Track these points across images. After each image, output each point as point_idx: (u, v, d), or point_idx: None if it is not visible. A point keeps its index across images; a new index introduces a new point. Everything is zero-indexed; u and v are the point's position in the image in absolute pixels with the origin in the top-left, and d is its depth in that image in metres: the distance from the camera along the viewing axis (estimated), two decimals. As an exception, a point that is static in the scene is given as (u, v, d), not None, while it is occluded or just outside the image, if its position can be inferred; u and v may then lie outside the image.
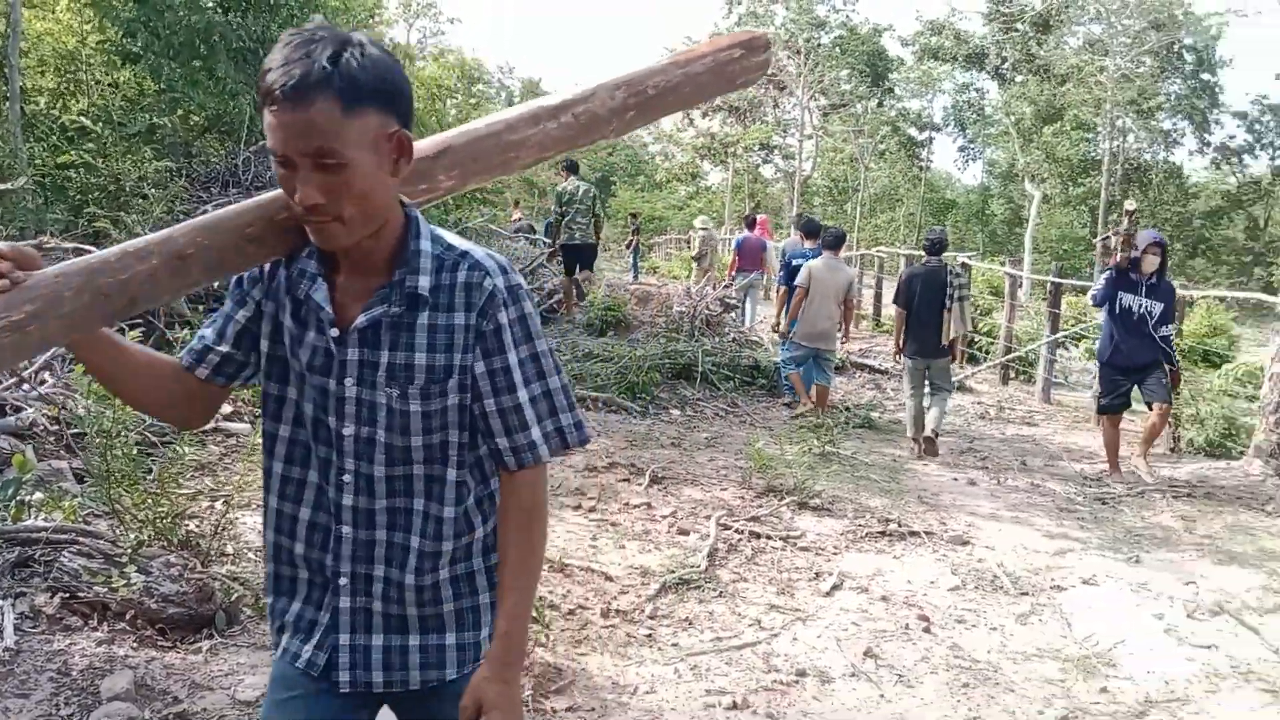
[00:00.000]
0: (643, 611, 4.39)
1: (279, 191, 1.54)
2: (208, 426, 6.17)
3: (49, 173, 8.60)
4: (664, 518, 5.73)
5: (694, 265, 17.15)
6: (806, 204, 44.62)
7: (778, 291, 10.27)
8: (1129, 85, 35.98)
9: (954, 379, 9.63)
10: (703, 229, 16.95)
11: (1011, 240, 41.43)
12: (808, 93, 40.23)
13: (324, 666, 1.65)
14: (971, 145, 46.87)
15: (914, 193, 46.35)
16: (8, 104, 9.08)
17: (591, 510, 5.71)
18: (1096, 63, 36.14)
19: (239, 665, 3.46)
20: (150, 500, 4.04)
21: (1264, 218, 42.96)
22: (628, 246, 24.89)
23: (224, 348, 1.66)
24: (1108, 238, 8.01)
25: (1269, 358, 8.41)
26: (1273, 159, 41.38)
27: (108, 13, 9.78)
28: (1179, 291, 8.85)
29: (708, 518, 5.74)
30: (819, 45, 39.78)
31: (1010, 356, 12.43)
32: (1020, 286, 20.10)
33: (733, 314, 12.50)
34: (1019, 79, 39.02)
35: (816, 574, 5.14)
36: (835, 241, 9.26)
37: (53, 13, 11.77)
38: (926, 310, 8.17)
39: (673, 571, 4.85)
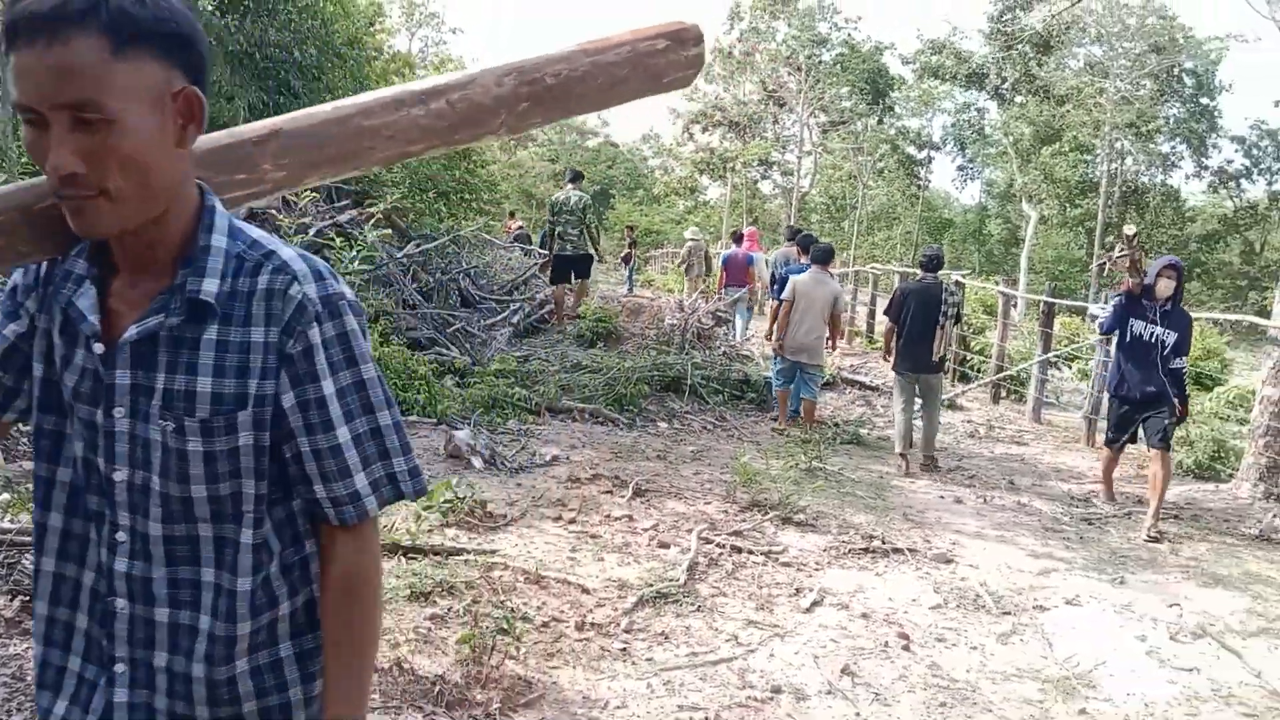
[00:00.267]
0: (618, 625, 4.33)
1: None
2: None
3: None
4: (645, 530, 5.68)
5: (684, 277, 17.25)
6: (804, 220, 44.68)
7: (771, 305, 10.28)
8: (1128, 108, 36.11)
9: (944, 396, 9.65)
10: (691, 240, 17.05)
11: (1008, 260, 41.47)
12: (807, 109, 40.33)
13: None
14: (970, 165, 46.98)
15: (912, 211, 46.41)
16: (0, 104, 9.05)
17: (571, 522, 5.66)
18: (1096, 84, 36.27)
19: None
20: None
21: (1260, 242, 43.05)
22: (623, 259, 24.89)
23: None
24: (1104, 262, 7.97)
25: (1260, 381, 8.38)
26: (1270, 184, 41.51)
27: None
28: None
29: (689, 531, 5.69)
30: (820, 62, 39.89)
31: (1001, 375, 12.39)
32: (1015, 306, 20.12)
33: (724, 328, 12.47)
34: (1018, 99, 39.14)
35: (797, 590, 5.09)
36: (823, 256, 9.24)
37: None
38: (920, 326, 8.16)
39: (651, 585, 4.79)
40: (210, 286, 1.25)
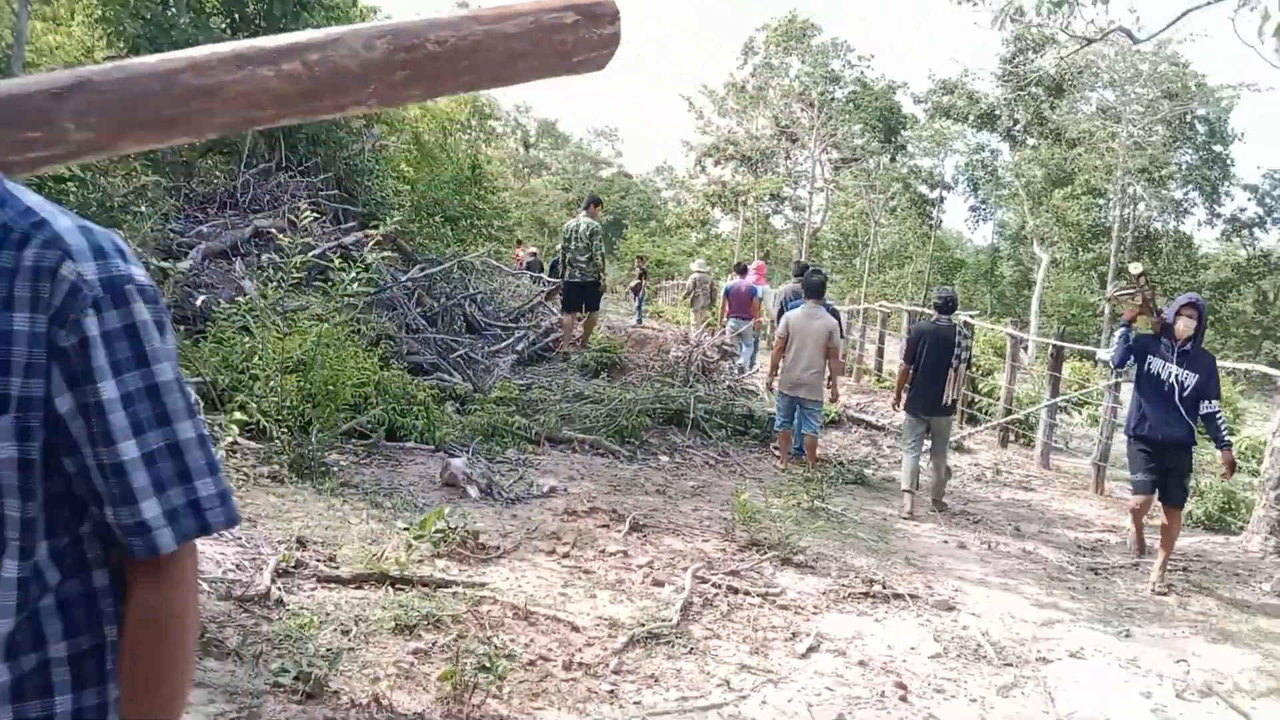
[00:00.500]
0: (607, 665, 4.20)
1: None
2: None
3: (46, 185, 8.54)
4: (640, 567, 5.55)
5: (690, 308, 17.27)
6: (815, 256, 44.71)
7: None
8: (1140, 153, 36.10)
9: (953, 439, 9.54)
10: (697, 272, 17.06)
11: (1020, 303, 41.38)
12: (820, 145, 40.44)
13: None
14: (983, 206, 46.97)
15: (923, 250, 46.40)
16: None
17: (565, 556, 5.53)
18: (1108, 129, 36.30)
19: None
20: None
21: (1274, 292, 42.86)
22: (633, 290, 24.84)
23: None
24: (1114, 298, 7.89)
25: (1270, 433, 8.24)
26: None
27: (114, 27, 9.76)
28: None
29: (685, 570, 5.56)
30: (832, 99, 40.03)
31: (1010, 419, 12.25)
32: (1025, 349, 20.01)
33: (730, 361, 12.38)
34: (1030, 141, 39.18)
35: (793, 634, 4.95)
36: (815, 290, 9.12)
37: (66, 27, 11.83)
38: (933, 368, 8.10)
39: (643, 624, 4.66)
40: None
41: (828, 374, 8.95)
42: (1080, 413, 14.11)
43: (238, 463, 6.17)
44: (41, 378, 1.05)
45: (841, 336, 10.29)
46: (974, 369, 13.79)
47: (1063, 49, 22.21)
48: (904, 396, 8.41)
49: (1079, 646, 5.27)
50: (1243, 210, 41.36)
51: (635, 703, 3.95)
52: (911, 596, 5.74)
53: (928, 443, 8.48)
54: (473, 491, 6.45)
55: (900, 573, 6.24)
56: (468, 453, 7.29)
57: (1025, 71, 30.54)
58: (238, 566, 4.51)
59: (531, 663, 4.09)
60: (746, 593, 5.40)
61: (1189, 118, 38.24)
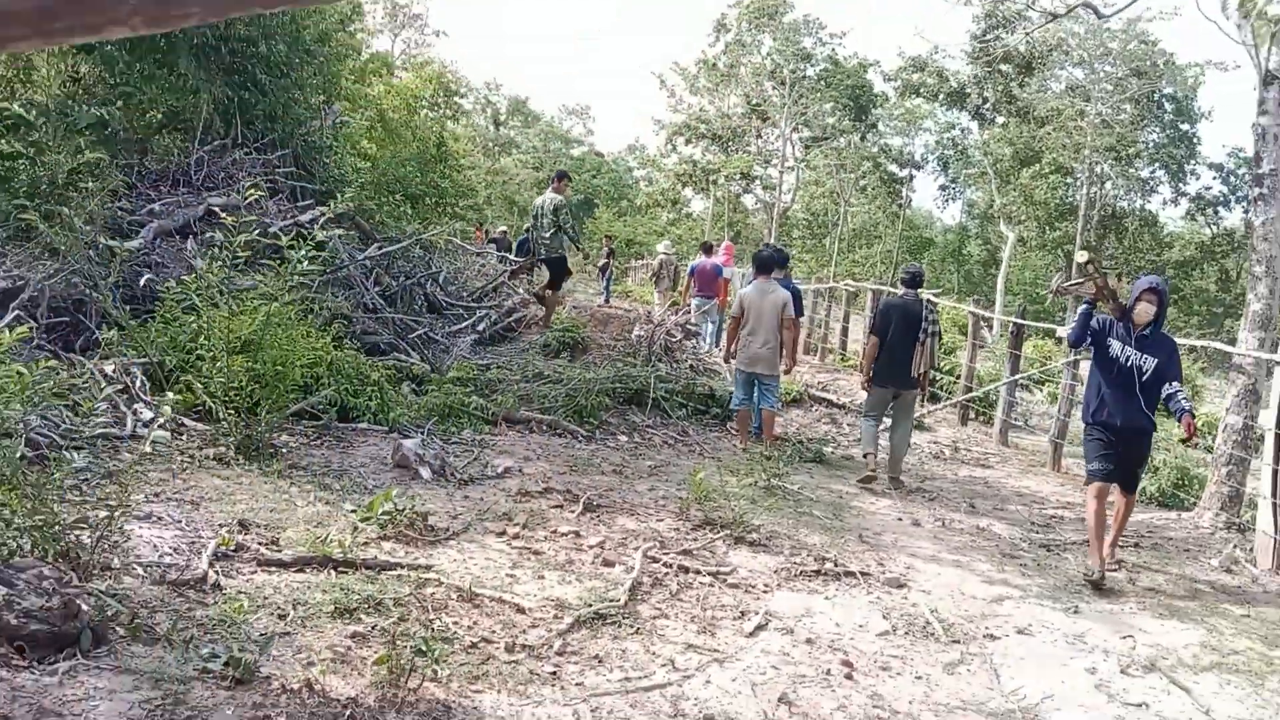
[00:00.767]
0: (551, 647, 4.17)
1: None
2: (123, 433, 5.93)
3: None
4: (591, 548, 5.52)
5: (654, 287, 17.26)
6: (786, 236, 44.73)
7: None
8: (1108, 132, 36.30)
9: (914, 415, 9.56)
10: (663, 253, 17.04)
11: (987, 281, 41.62)
12: (790, 124, 40.37)
13: None
14: (953, 185, 47.11)
15: (893, 230, 46.53)
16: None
17: (515, 537, 5.49)
18: (1077, 107, 36.46)
19: (96, 689, 3.22)
20: (28, 507, 3.80)
21: (1236, 270, 43.31)
22: (601, 269, 24.75)
23: None
24: (1061, 290, 7.88)
25: (1224, 409, 8.31)
26: (1247, 212, 41.71)
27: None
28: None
29: (637, 549, 5.53)
30: (803, 77, 39.94)
31: (969, 396, 12.31)
32: (989, 327, 20.10)
33: (693, 340, 12.35)
34: (999, 120, 39.30)
35: (742, 613, 4.94)
36: (764, 264, 9.11)
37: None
38: (901, 341, 8.20)
39: (590, 605, 4.63)
40: None
41: (785, 348, 8.99)
42: (1041, 390, 14.21)
43: (183, 444, 6.09)
44: None
45: (800, 314, 10.30)
46: (939, 345, 13.86)
47: (1029, 25, 22.21)
48: (872, 370, 8.41)
49: (1027, 623, 5.29)
50: (1208, 189, 41.77)
51: (578, 684, 3.92)
52: (863, 574, 5.75)
53: (888, 420, 8.52)
54: (425, 473, 6.40)
55: (853, 550, 6.24)
56: (422, 434, 7.22)
57: (994, 49, 30.56)
58: (175, 550, 4.44)
59: (473, 645, 4.05)
60: (697, 572, 5.38)
61: (1157, 96, 38.48)
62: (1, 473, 3.86)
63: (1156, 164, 40.71)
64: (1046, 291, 11.92)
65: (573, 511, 6.15)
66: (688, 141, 43.68)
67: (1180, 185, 41.31)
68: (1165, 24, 45.56)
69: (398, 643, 3.63)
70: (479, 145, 53.09)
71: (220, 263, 6.40)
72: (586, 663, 4.12)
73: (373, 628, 3.98)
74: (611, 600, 4.73)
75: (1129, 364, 6.26)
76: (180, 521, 4.84)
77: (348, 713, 3.32)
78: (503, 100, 61.24)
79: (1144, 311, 6.26)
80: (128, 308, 7.16)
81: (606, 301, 20.42)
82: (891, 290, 9.40)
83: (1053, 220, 39.33)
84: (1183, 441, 6.44)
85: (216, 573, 4.24)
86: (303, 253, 6.38)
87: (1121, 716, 4.25)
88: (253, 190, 7.67)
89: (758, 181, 44.86)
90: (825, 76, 40.81)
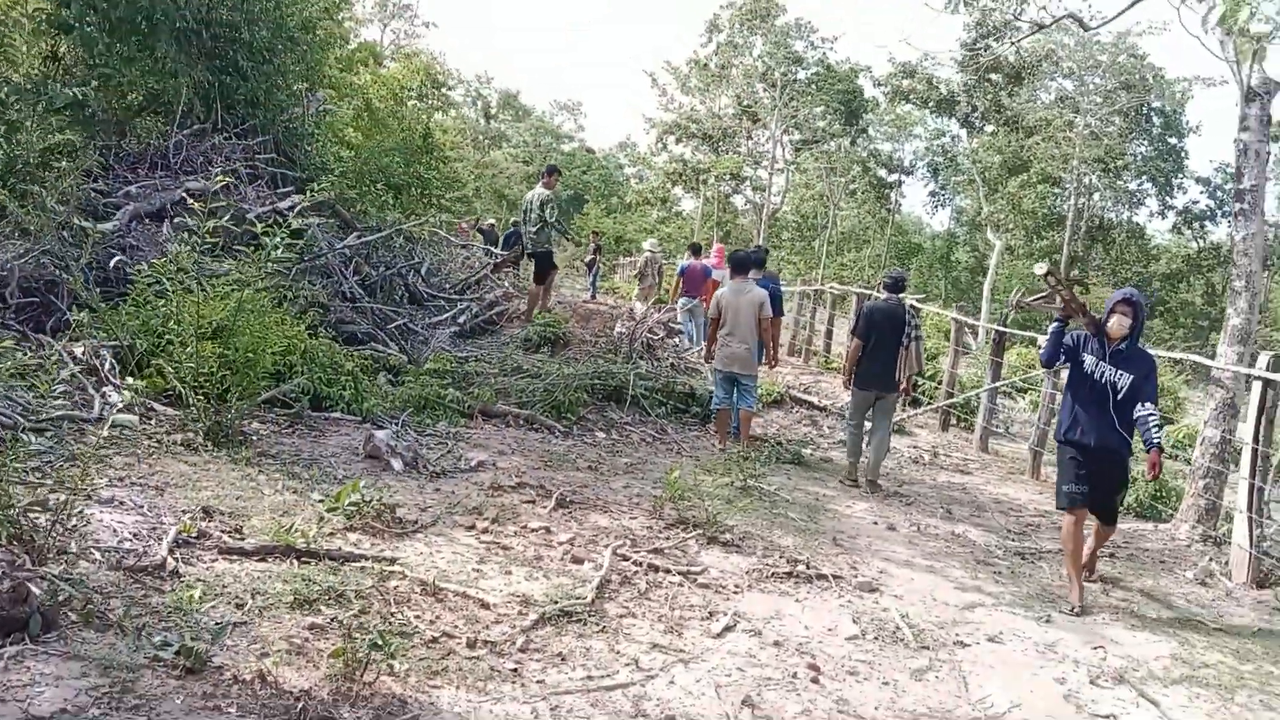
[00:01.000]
0: (514, 643, 4.10)
1: None
2: (90, 415, 5.83)
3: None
4: (561, 544, 5.46)
5: (638, 284, 17.23)
6: (775, 237, 44.72)
7: None
8: (1097, 143, 36.40)
9: (895, 419, 9.58)
10: (649, 251, 17.03)
11: (974, 289, 41.65)
12: (781, 126, 40.35)
13: None
14: (942, 191, 47.15)
15: (881, 234, 46.56)
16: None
17: (484, 532, 5.42)
18: (1065, 118, 36.56)
19: (42, 675, 3.13)
20: (-21, 489, 3.71)
21: (1222, 284, 43.53)
22: (587, 265, 24.69)
23: None
24: (1022, 305, 7.84)
25: (1203, 422, 8.30)
26: (1233, 226, 41.87)
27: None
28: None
29: (607, 546, 5.47)
30: (794, 80, 39.91)
31: (950, 402, 12.29)
32: (975, 334, 20.12)
33: (677, 339, 12.30)
34: (988, 129, 39.37)
35: (710, 613, 4.88)
36: (739, 265, 9.10)
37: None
38: (884, 345, 8.24)
39: (556, 602, 4.56)
40: None
41: (765, 346, 9.05)
42: (1024, 397, 14.21)
43: (151, 429, 6.00)
44: None
45: (779, 314, 10.28)
46: (924, 347, 13.86)
47: (1016, 35, 22.27)
48: (854, 373, 8.43)
49: (998, 631, 5.26)
50: (1195, 203, 41.92)
51: (539, 681, 3.85)
52: (835, 577, 5.70)
53: (869, 424, 8.49)
54: (396, 464, 6.32)
55: (826, 553, 6.20)
56: (396, 425, 7.14)
57: (983, 58, 30.59)
58: (135, 535, 4.36)
59: (434, 640, 3.98)
60: (667, 571, 5.32)
61: (1145, 109, 38.60)
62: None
63: (1144, 176, 40.83)
64: (1006, 309, 11.95)
65: (545, 507, 6.08)
66: (678, 140, 43.61)
67: (1167, 198, 41.46)
68: (1155, 38, 45.78)
69: (354, 636, 3.56)
70: (469, 138, 52.89)
71: (190, 248, 6.30)
72: (549, 660, 4.05)
73: (332, 620, 3.90)
74: (578, 598, 4.67)
75: (1103, 380, 5.93)
76: (143, 507, 4.75)
77: (300, 705, 3.24)
78: (494, 94, 61.07)
79: (1118, 324, 5.91)
80: (99, 290, 7.06)
81: (592, 297, 20.38)
82: (876, 295, 9.40)
83: (1040, 229, 39.41)
84: (1149, 479, 6.17)
85: (176, 560, 4.16)
86: (277, 239, 6.29)
87: (1089, 727, 4.21)
88: (223, 177, 7.55)
89: (747, 182, 44.84)
90: (816, 80, 40.79)
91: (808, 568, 5.77)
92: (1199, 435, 8.24)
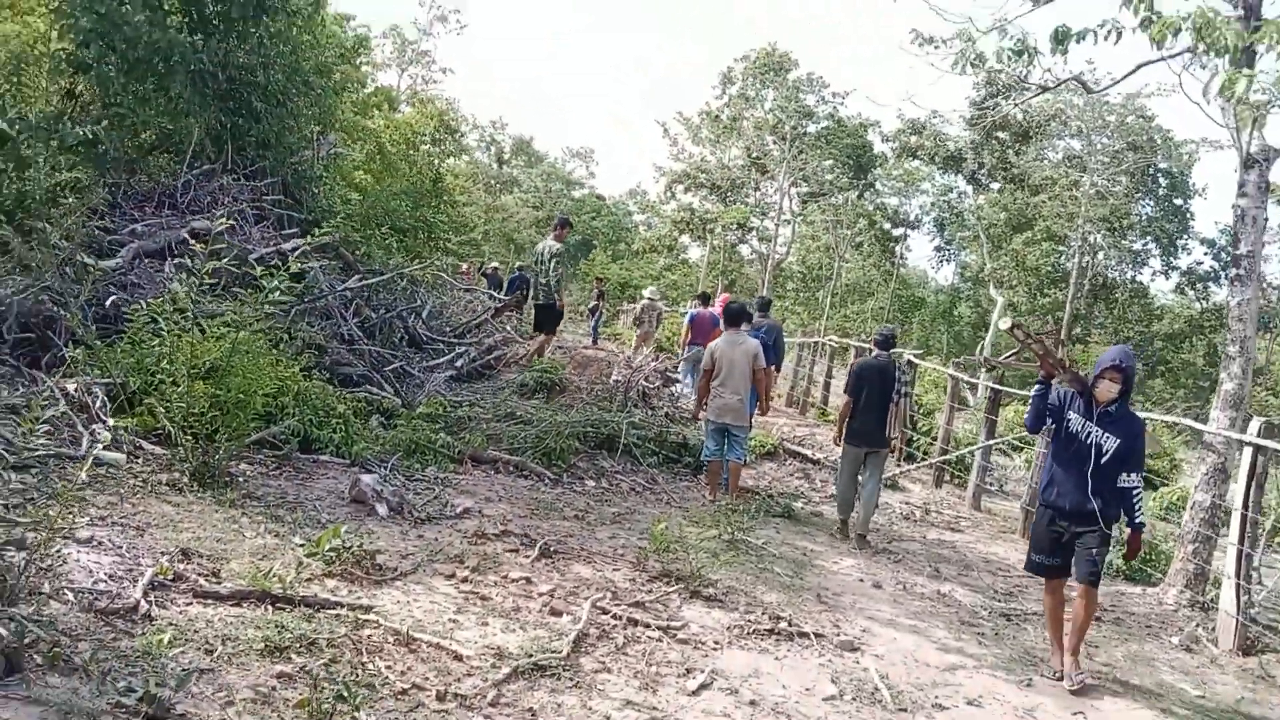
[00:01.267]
0: (484, 697, 4.08)
1: None
2: (78, 453, 5.86)
3: None
4: (540, 595, 5.45)
5: (636, 331, 17.34)
6: (780, 288, 44.90)
7: None
8: (1103, 203, 36.63)
9: (887, 475, 9.64)
10: (648, 298, 17.13)
11: (976, 344, 41.67)
12: (789, 178, 40.67)
13: None
14: (948, 246, 47.37)
15: (886, 287, 46.72)
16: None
17: (464, 580, 5.42)
18: (1071, 177, 36.82)
19: (2, 720, 3.14)
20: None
21: (1223, 346, 43.45)
22: (590, 311, 24.82)
23: None
24: (999, 364, 7.90)
25: (1193, 486, 8.29)
26: (1229, 291, 41.87)
27: (66, 20, 9.60)
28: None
29: (588, 599, 5.46)
30: (804, 133, 40.30)
31: (944, 458, 12.28)
32: (974, 391, 20.10)
33: (673, 388, 12.32)
34: (994, 185, 39.64)
35: (688, 670, 4.86)
36: (734, 317, 9.17)
37: (24, 16, 11.58)
38: (874, 402, 8.40)
39: (530, 655, 4.55)
40: None
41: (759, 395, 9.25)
42: (1019, 455, 14.18)
43: (138, 468, 6.02)
44: None
45: (779, 358, 10.41)
46: (916, 406, 13.87)
47: (1021, 96, 22.57)
48: (844, 430, 8.64)
49: (979, 694, 5.22)
50: (1199, 264, 42.04)
51: (506, 736, 3.84)
52: (816, 635, 5.67)
53: (860, 479, 8.53)
54: (381, 509, 6.33)
55: (809, 610, 6.17)
56: (385, 469, 7.16)
57: (990, 116, 30.90)
58: (111, 576, 4.37)
59: (404, 691, 3.96)
60: (647, 625, 5.30)
61: (1152, 170, 38.88)
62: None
63: (1149, 236, 41.01)
64: (979, 365, 11.90)
65: (528, 556, 6.08)
66: (687, 189, 43.97)
67: (1171, 259, 41.60)
68: (1163, 100, 46.17)
69: (322, 686, 3.56)
70: (481, 182, 53.42)
71: (188, 288, 6.38)
72: (519, 715, 4.04)
73: (301, 668, 3.90)
74: (553, 651, 4.65)
75: (1088, 441, 5.67)
76: (121, 547, 4.77)
77: (262, 756, 3.24)
78: (507, 139, 61.78)
79: (1106, 390, 5.69)
80: (97, 327, 7.12)
81: (594, 343, 20.46)
82: (869, 349, 9.56)
83: (1043, 286, 39.54)
84: (1125, 558, 6.06)
85: (149, 603, 4.17)
86: (276, 281, 6.36)
87: (1062, 797, 4.17)
88: (224, 220, 7.64)
89: (754, 232, 45.12)
90: (826, 134, 41.17)
91: (789, 625, 5.75)
92: (1190, 499, 8.22)
